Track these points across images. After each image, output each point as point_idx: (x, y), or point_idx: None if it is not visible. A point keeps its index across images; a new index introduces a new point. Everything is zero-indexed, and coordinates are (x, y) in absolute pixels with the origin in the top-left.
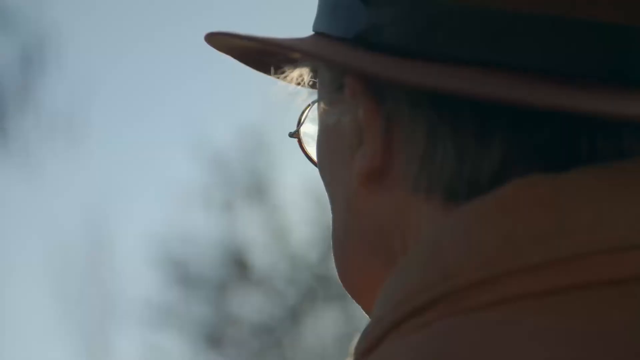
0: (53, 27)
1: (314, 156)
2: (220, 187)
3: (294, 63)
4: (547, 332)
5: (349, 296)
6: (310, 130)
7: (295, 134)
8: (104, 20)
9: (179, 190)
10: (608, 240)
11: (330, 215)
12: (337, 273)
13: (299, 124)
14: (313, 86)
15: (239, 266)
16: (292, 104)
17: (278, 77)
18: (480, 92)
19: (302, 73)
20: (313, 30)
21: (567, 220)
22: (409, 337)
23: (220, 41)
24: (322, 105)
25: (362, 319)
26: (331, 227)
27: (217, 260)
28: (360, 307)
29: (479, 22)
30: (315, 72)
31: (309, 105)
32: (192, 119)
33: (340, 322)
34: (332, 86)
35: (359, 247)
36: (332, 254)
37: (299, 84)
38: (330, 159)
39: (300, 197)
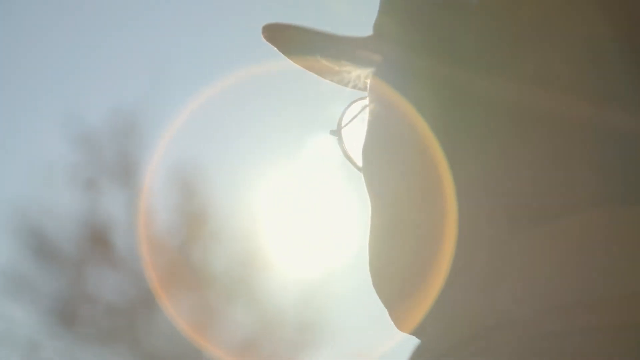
0: None
1: (354, 157)
2: (87, 165)
3: (358, 62)
4: None
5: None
6: (349, 130)
7: (337, 133)
8: None
9: (45, 164)
10: None
11: None
12: None
13: (341, 124)
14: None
15: (99, 245)
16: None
17: (328, 78)
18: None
19: (361, 74)
20: (375, 31)
21: (637, 256)
22: None
23: (278, 33)
24: (377, 106)
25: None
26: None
27: (77, 236)
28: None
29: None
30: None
31: (351, 105)
32: (63, 95)
33: (196, 309)
34: None
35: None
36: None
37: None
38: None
39: (166, 183)
